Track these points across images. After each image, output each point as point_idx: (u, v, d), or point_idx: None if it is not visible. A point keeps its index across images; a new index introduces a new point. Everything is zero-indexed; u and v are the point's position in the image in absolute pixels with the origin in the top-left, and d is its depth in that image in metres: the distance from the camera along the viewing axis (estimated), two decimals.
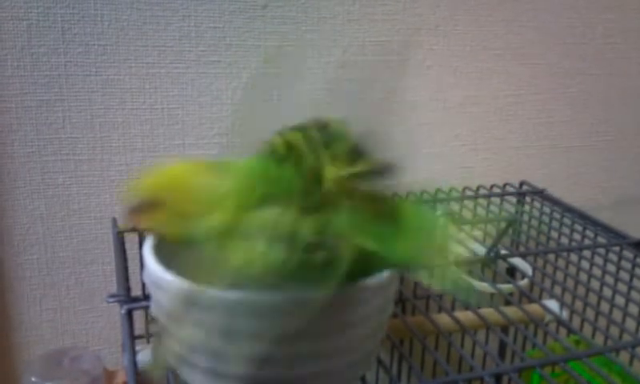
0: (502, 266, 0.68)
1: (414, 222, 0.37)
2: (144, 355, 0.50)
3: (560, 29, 0.78)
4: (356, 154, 0.36)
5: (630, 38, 0.82)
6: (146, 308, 0.44)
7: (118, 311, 0.48)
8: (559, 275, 0.63)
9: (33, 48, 0.59)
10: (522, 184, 0.76)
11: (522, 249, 0.70)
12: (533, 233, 0.70)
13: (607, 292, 0.60)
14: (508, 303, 0.59)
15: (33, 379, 0.52)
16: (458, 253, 0.64)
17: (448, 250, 0.38)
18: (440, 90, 0.75)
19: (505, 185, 0.75)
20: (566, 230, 0.67)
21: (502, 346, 0.79)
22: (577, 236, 0.66)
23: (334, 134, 0.37)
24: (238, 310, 0.36)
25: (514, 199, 0.74)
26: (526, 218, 0.72)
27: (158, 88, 0.64)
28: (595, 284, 0.61)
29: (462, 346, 0.72)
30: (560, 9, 0.77)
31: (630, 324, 0.56)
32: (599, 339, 0.59)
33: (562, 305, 0.58)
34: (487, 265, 0.63)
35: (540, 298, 0.61)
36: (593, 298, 0.60)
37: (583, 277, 0.62)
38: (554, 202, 0.70)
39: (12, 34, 0.58)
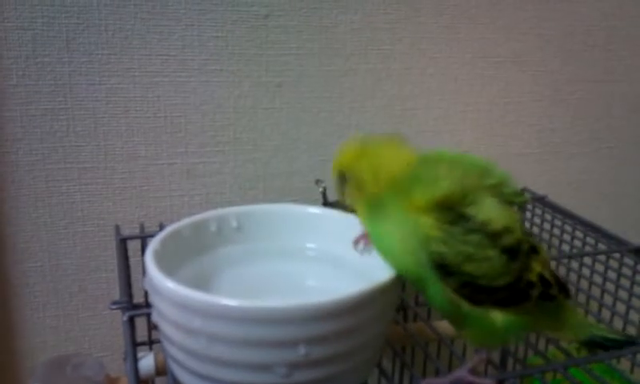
0: None
1: None
2: (146, 362, 0.50)
3: (561, 36, 0.79)
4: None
5: (631, 45, 0.83)
6: (148, 315, 0.45)
7: (120, 318, 0.48)
8: None
9: (38, 57, 0.60)
10: (522, 191, 0.76)
11: None
12: None
13: (608, 299, 0.60)
14: None
15: None
16: None
17: None
18: (442, 97, 0.75)
19: None
20: (567, 237, 0.67)
21: (504, 353, 0.79)
22: (577, 243, 0.66)
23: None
24: (243, 318, 0.36)
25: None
26: (526, 224, 0.72)
27: (161, 96, 0.64)
28: (596, 291, 0.61)
29: (464, 353, 0.72)
30: (561, 16, 0.78)
31: (631, 331, 0.56)
32: None
33: None
34: None
35: None
36: (594, 305, 0.60)
37: (584, 284, 0.62)
38: (555, 208, 0.71)
39: (17, 43, 0.59)
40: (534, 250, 0.40)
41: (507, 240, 0.37)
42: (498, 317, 0.38)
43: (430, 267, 0.37)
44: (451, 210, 0.37)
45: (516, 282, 0.38)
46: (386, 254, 0.40)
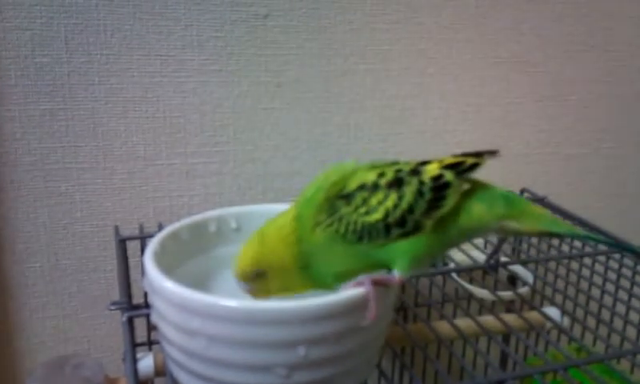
0: (502, 273, 0.68)
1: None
2: (145, 363, 0.50)
3: (560, 37, 0.79)
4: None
5: (630, 45, 0.82)
6: (148, 315, 0.44)
7: (119, 319, 0.48)
8: (560, 283, 0.63)
9: (36, 57, 0.60)
10: (522, 191, 0.76)
11: (522, 256, 0.70)
12: (534, 240, 0.70)
13: (608, 300, 0.60)
14: (509, 311, 0.59)
15: None
16: (459, 260, 0.64)
17: None
18: (441, 97, 0.75)
19: None
20: (567, 238, 0.67)
21: (504, 355, 0.79)
22: (577, 244, 0.66)
23: None
24: (242, 319, 0.36)
25: None
26: None
27: (160, 97, 0.64)
28: (596, 292, 0.61)
29: (464, 353, 0.72)
30: (560, 17, 0.78)
31: (631, 332, 0.56)
32: (600, 347, 0.59)
33: (563, 312, 0.58)
34: (488, 272, 0.63)
35: (541, 305, 0.61)
36: (594, 306, 0.60)
37: (584, 284, 0.62)
38: (555, 209, 0.70)
39: (16, 43, 0.59)
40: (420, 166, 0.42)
41: (386, 178, 0.40)
42: (451, 222, 0.41)
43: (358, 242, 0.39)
44: (330, 201, 0.40)
45: (421, 185, 0.40)
46: (343, 276, 0.41)
